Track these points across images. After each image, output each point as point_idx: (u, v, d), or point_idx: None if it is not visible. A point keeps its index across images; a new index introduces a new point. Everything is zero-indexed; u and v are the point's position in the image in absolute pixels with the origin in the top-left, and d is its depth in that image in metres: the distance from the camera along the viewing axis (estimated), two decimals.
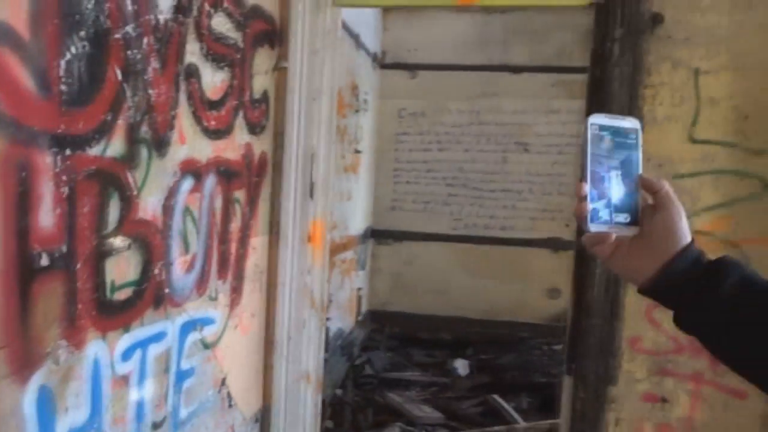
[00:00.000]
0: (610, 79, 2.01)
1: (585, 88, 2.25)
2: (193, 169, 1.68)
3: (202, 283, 1.77)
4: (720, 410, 1.98)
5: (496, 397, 4.76)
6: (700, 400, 1.99)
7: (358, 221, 5.53)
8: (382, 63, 6.10)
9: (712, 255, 2.14)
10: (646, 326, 2.04)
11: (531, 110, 5.94)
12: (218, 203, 1.84)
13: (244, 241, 2.04)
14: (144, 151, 1.44)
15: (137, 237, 1.42)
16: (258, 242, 2.15)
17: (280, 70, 2.21)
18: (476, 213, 6.07)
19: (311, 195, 2.25)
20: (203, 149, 1.73)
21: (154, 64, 1.46)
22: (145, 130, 1.44)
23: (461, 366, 5.43)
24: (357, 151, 5.29)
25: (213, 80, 1.77)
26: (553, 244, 5.95)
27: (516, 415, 4.51)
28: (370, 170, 5.94)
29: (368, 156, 5.81)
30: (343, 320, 5.08)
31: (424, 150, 6.13)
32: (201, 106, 1.70)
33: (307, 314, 2.31)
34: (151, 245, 1.48)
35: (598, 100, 2.05)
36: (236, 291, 2.01)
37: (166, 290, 1.57)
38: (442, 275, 6.14)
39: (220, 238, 1.86)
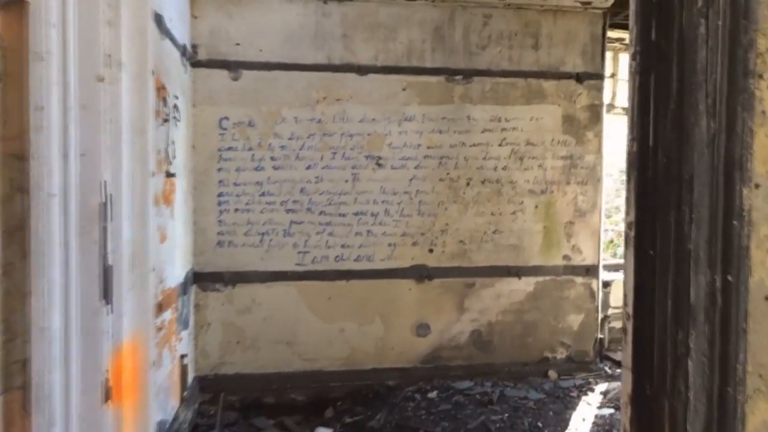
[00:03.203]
0: (690, 41, 1.07)
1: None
2: None
3: None
4: None
5: None
6: None
7: (177, 267, 4.14)
8: (194, 60, 4.76)
9: None
10: None
11: (381, 118, 5.04)
12: None
13: None
14: None
15: None
16: None
17: (6, 8, 0.94)
18: (325, 243, 5.00)
19: (106, 295, 1.01)
20: None
21: None
22: None
23: None
24: (170, 175, 3.92)
25: None
26: (417, 273, 5.10)
27: None
28: (187, 198, 4.57)
29: (184, 179, 4.44)
30: (163, 407, 3.65)
31: (255, 169, 4.91)
32: None
33: None
34: None
35: (660, 83, 1.10)
36: None
37: None
38: (289, 322, 4.97)
39: None
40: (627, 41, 6.29)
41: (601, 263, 5.40)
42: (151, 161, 1.16)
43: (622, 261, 5.43)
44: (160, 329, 3.64)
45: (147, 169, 1.19)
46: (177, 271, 4.18)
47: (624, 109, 6.62)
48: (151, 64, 1.22)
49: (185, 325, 4.46)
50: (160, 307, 3.65)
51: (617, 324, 5.92)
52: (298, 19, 4.91)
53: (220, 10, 4.81)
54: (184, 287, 4.41)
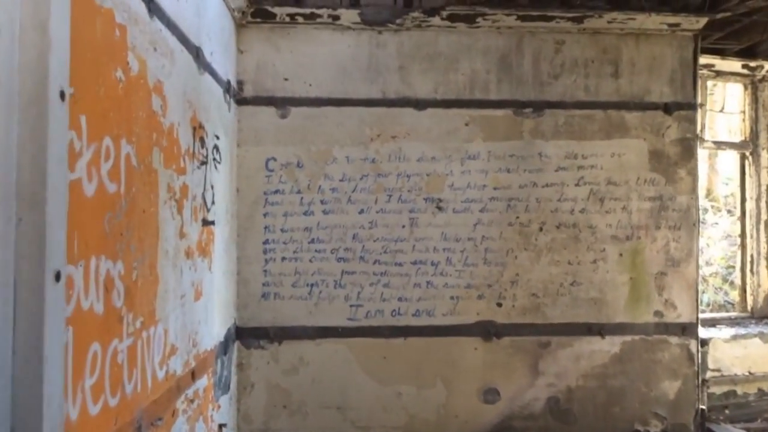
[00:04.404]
0: None
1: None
2: None
3: None
4: None
5: None
6: None
7: (214, 325, 3.71)
8: (239, 97, 4.42)
9: None
10: None
11: (442, 156, 4.54)
12: None
13: None
14: None
15: None
16: None
17: None
18: (380, 295, 4.49)
19: None
20: None
21: None
22: None
23: None
24: (207, 223, 3.52)
25: None
26: (483, 330, 4.50)
27: None
28: (229, 247, 4.16)
29: (225, 227, 4.04)
30: None
31: (304, 213, 4.48)
32: None
33: None
34: None
35: None
36: None
37: None
38: (340, 384, 4.45)
39: None
40: (717, 67, 5.61)
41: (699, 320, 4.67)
42: (60, 297, 0.67)
43: (718, 314, 4.58)
44: (192, 401, 3.18)
45: (61, 312, 0.70)
46: (215, 330, 3.74)
47: (716, 143, 5.85)
48: (61, 81, 0.73)
49: (225, 390, 4.01)
50: (193, 376, 3.21)
51: (717, 389, 5.11)
52: (350, 51, 4.52)
53: (268, 43, 4.47)
54: (224, 347, 3.97)
